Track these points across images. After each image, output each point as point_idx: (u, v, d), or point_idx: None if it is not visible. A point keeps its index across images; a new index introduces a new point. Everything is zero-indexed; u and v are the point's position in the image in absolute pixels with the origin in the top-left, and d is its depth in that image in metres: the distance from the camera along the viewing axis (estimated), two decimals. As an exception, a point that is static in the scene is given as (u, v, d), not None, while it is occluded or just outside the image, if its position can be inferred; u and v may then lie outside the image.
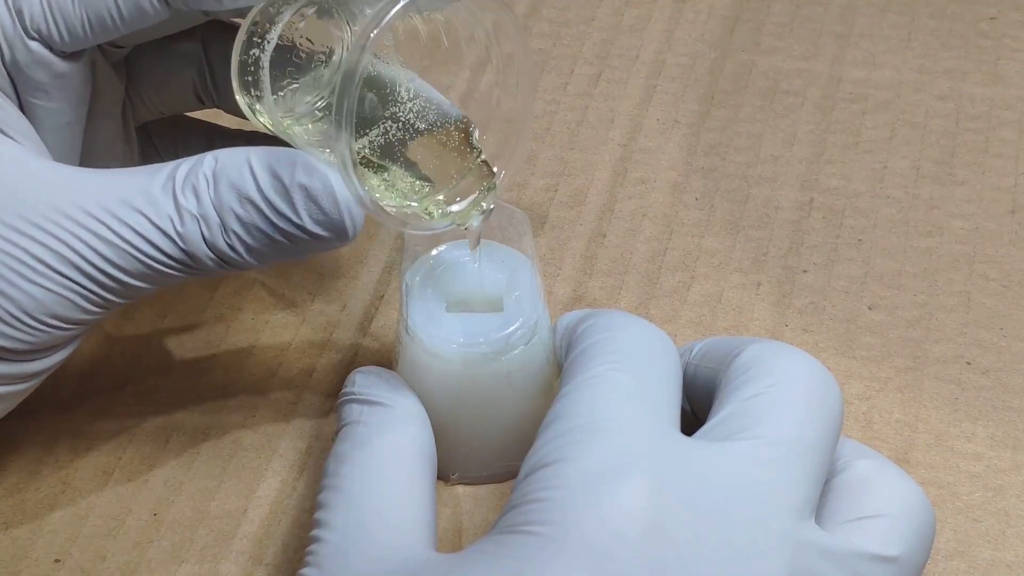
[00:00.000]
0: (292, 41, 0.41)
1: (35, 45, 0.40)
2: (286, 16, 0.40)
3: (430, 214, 0.41)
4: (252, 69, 0.41)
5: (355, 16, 0.42)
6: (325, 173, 0.37)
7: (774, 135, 0.55)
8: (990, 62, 0.58)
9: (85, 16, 0.39)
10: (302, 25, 0.41)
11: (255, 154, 0.37)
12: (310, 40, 0.41)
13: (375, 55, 0.41)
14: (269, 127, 0.41)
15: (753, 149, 0.54)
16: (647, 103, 0.56)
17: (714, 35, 0.59)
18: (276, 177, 0.37)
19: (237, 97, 0.41)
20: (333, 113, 0.37)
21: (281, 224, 0.37)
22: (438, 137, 0.42)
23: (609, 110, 0.56)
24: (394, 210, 0.40)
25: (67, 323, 0.37)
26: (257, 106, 0.41)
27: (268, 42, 0.40)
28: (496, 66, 0.42)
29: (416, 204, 0.41)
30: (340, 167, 0.37)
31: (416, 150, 0.42)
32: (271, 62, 0.40)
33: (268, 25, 0.40)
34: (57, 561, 0.42)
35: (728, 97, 0.57)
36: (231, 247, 0.37)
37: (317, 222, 0.37)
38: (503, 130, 0.42)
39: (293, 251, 0.38)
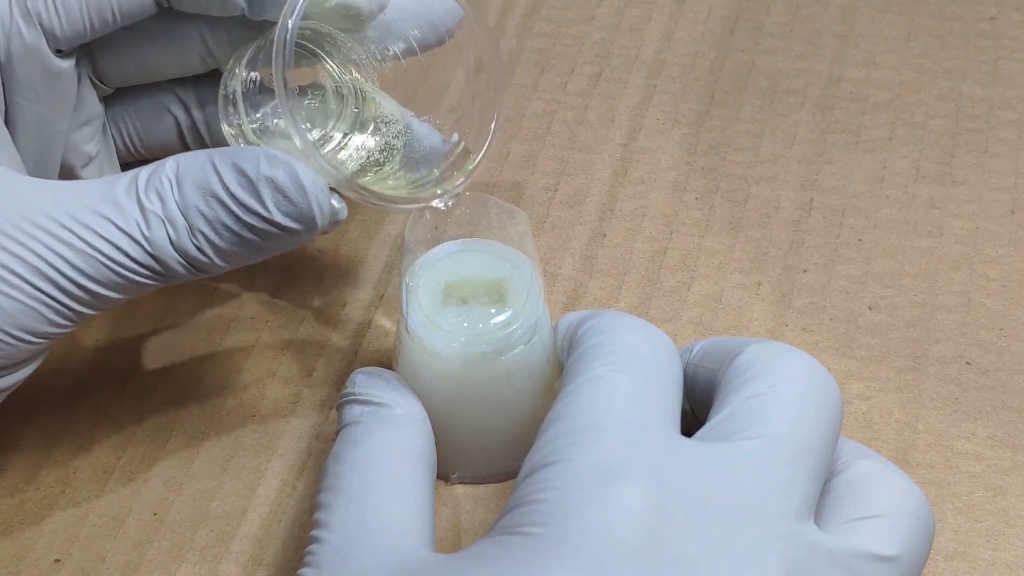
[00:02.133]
0: (266, 78, 0.42)
1: (33, 34, 0.40)
2: (259, 55, 0.42)
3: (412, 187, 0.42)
4: (232, 103, 0.42)
5: (331, 48, 0.43)
6: (290, 163, 0.37)
7: (774, 135, 0.55)
8: (990, 62, 0.58)
9: (85, 4, 0.40)
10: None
11: (217, 153, 0.37)
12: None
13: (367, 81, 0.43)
14: None
15: (753, 149, 0.54)
16: (647, 103, 0.56)
17: (714, 35, 0.59)
18: (241, 172, 0.37)
19: (223, 129, 0.42)
20: (275, 79, 0.38)
21: (249, 219, 0.37)
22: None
23: (609, 110, 0.56)
24: (366, 188, 0.40)
25: (34, 336, 0.37)
26: (241, 140, 0.42)
27: (241, 78, 0.42)
28: (466, 64, 0.43)
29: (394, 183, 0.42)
30: (296, 134, 0.37)
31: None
32: (254, 97, 0.42)
33: (244, 64, 0.42)
34: (57, 561, 0.42)
35: (728, 97, 0.57)
36: (199, 249, 0.37)
37: (286, 213, 0.37)
38: (477, 117, 0.43)
39: (262, 248, 0.38)
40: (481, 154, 0.43)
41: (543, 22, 0.60)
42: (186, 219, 0.37)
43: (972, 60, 0.58)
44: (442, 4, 0.43)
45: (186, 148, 0.46)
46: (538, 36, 0.60)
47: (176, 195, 0.37)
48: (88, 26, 0.40)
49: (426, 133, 0.44)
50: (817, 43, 0.59)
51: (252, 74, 0.42)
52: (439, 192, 0.42)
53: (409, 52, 0.44)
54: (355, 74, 0.44)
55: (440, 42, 0.44)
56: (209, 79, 0.45)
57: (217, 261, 0.37)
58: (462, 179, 0.42)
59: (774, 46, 0.59)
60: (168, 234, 0.37)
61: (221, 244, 0.37)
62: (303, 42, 0.43)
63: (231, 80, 0.42)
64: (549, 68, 0.58)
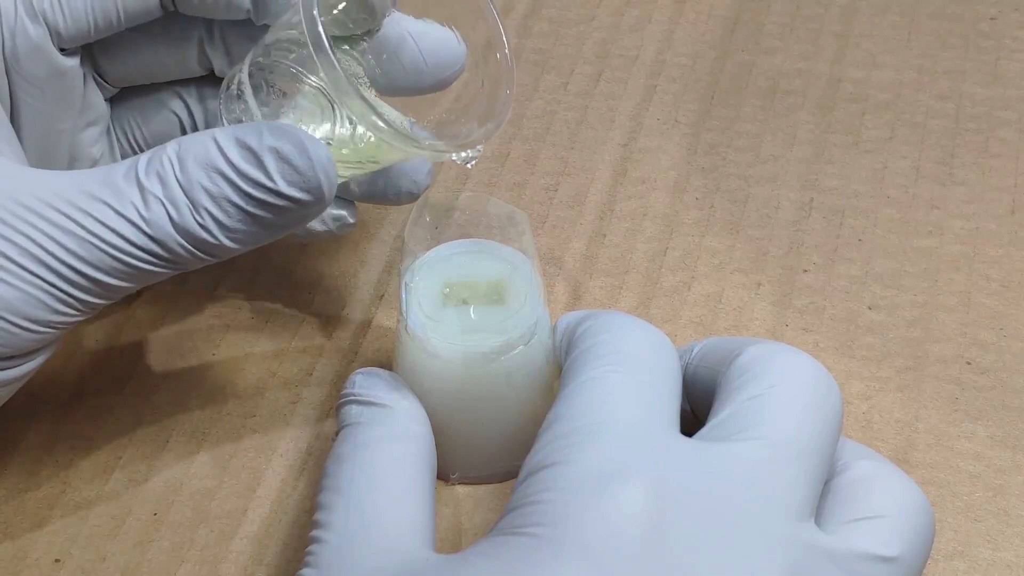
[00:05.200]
0: (270, 79, 0.41)
1: (38, 31, 0.40)
2: (260, 59, 0.42)
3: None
4: (238, 97, 0.41)
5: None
6: (295, 132, 0.37)
7: (774, 135, 0.55)
8: (990, 62, 0.58)
9: (90, 4, 0.40)
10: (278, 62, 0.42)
11: (219, 131, 0.37)
12: (292, 70, 0.42)
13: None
14: None
15: (753, 149, 0.54)
16: (647, 103, 0.56)
17: (714, 35, 0.59)
18: (244, 146, 0.36)
19: (224, 121, 0.42)
20: (309, 40, 0.37)
21: (255, 192, 0.36)
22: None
23: (609, 110, 0.56)
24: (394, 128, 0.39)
25: (38, 324, 0.36)
26: None
27: (247, 84, 0.41)
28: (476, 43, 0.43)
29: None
30: (335, 82, 0.37)
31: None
32: (257, 99, 0.41)
33: (248, 73, 0.42)
34: (57, 561, 0.42)
35: (728, 97, 0.57)
36: (203, 227, 0.36)
37: (291, 183, 0.36)
38: (490, 86, 0.43)
39: (269, 224, 0.37)
40: (501, 118, 0.42)
41: (543, 22, 0.60)
42: (189, 198, 0.36)
43: (972, 60, 0.58)
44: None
45: None
46: (538, 36, 0.60)
47: (178, 174, 0.36)
48: (92, 25, 0.40)
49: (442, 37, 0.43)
50: (817, 43, 0.59)
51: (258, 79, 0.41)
52: (467, 145, 0.41)
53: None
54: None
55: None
56: (211, 79, 0.45)
57: (224, 241, 0.37)
58: (486, 131, 0.41)
59: (774, 46, 0.59)
60: (169, 213, 0.36)
61: (227, 221, 0.37)
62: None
63: (233, 83, 0.42)
64: (549, 68, 0.58)
